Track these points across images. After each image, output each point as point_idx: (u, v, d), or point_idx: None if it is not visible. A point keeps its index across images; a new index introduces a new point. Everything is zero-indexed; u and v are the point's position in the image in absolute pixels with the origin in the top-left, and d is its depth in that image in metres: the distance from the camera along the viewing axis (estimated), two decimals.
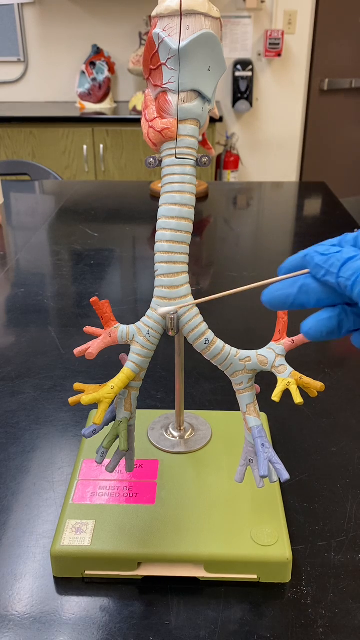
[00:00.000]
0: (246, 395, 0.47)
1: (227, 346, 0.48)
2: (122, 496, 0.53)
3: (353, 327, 0.35)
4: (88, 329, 0.49)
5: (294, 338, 0.48)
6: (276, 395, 0.47)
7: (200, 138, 0.49)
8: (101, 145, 2.87)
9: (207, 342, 0.47)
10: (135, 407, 0.49)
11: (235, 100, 3.20)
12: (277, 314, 0.48)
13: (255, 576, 0.48)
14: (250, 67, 3.14)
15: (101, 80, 3.11)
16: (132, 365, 0.47)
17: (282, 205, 1.63)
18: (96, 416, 0.45)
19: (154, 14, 0.44)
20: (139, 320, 0.48)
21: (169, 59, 0.43)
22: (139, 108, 2.85)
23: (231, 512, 0.51)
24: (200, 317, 0.47)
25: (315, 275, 0.34)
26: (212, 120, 2.68)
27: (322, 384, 0.47)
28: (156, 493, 0.53)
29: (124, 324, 0.48)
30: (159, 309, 0.45)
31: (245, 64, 3.14)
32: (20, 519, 0.55)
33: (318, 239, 1.39)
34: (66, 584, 0.49)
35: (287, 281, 0.35)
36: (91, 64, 3.11)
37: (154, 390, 0.73)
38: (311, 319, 0.34)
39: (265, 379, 0.55)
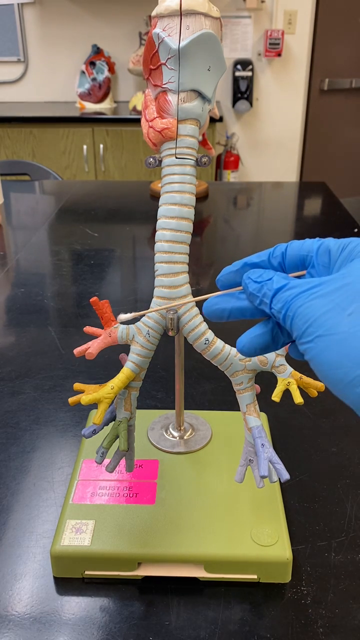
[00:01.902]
0: (246, 395, 0.47)
1: (227, 346, 0.48)
2: (122, 496, 0.53)
3: (288, 339, 0.36)
4: (88, 329, 0.49)
5: None
6: (276, 395, 0.47)
7: (200, 138, 0.49)
8: (101, 145, 2.87)
9: (207, 342, 0.47)
10: (135, 407, 0.49)
11: (235, 100, 3.20)
12: None
13: (255, 576, 0.48)
14: (250, 67, 3.14)
15: (101, 80, 3.11)
16: (132, 365, 0.47)
17: (282, 205, 1.63)
18: (96, 416, 0.45)
19: (153, 13, 0.44)
20: (138, 320, 0.48)
21: (168, 58, 0.43)
22: (139, 108, 2.85)
23: (231, 512, 0.51)
24: (200, 317, 0.47)
25: (252, 302, 0.36)
26: (212, 120, 2.68)
27: (322, 384, 0.47)
28: (156, 493, 0.53)
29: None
30: (119, 315, 0.45)
31: (245, 64, 3.14)
32: (20, 519, 0.55)
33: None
34: (66, 584, 0.49)
35: (225, 295, 0.38)
36: (91, 63, 3.11)
37: (154, 390, 0.73)
38: (245, 336, 0.36)
39: (265, 379, 0.55)
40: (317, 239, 0.35)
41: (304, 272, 0.35)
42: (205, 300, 0.39)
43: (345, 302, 0.29)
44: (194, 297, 0.47)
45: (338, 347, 0.29)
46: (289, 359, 0.48)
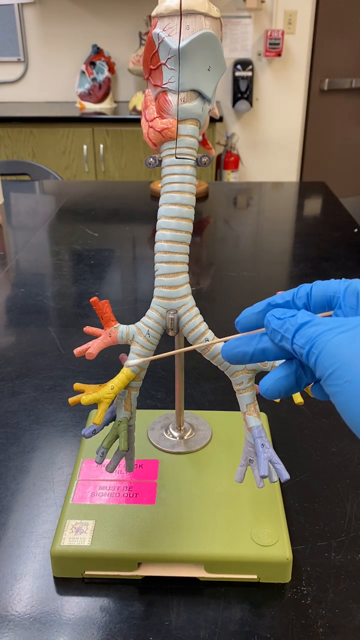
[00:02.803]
0: (246, 395, 0.47)
1: None
2: (122, 496, 0.53)
3: (311, 380, 0.35)
4: (88, 329, 0.49)
5: None
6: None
7: (200, 138, 0.49)
8: (101, 145, 2.87)
9: (207, 342, 0.47)
10: (135, 407, 0.49)
11: (235, 100, 3.20)
12: None
13: (255, 576, 0.48)
14: (250, 67, 3.14)
15: (101, 80, 3.11)
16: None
17: (282, 205, 1.63)
18: (96, 416, 0.45)
19: (153, 13, 0.44)
20: (139, 320, 0.48)
21: (168, 58, 0.43)
22: (139, 108, 2.85)
23: (231, 512, 0.51)
24: (200, 317, 0.47)
25: (273, 339, 0.34)
26: (212, 120, 2.68)
27: None
28: (156, 493, 0.53)
29: (124, 324, 0.48)
30: (127, 361, 0.46)
31: (245, 63, 3.14)
32: (20, 519, 0.55)
33: (318, 239, 1.39)
34: (66, 584, 0.49)
35: (245, 338, 0.36)
36: (91, 63, 3.11)
37: (154, 390, 0.73)
38: (268, 378, 0.35)
39: None
40: (344, 279, 0.34)
41: (331, 312, 0.34)
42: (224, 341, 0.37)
43: None
44: (193, 296, 0.47)
45: None
46: None
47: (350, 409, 0.29)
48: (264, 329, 0.35)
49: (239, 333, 0.38)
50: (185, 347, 0.54)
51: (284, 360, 0.35)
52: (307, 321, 0.32)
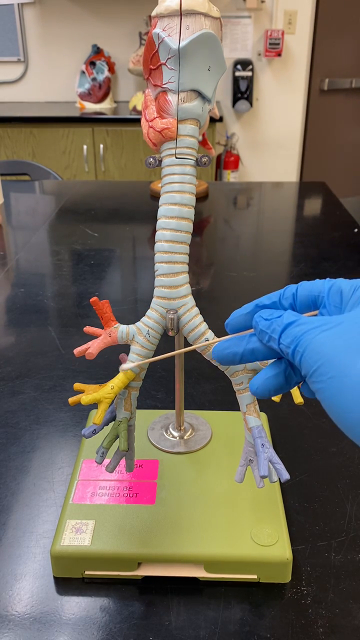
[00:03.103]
0: (246, 395, 0.47)
1: None
2: (122, 496, 0.53)
3: (300, 378, 0.35)
4: (88, 329, 0.49)
5: None
6: (276, 396, 0.47)
7: (200, 138, 0.49)
8: (101, 145, 2.87)
9: (206, 342, 0.47)
10: (135, 407, 0.49)
11: (235, 100, 3.20)
12: None
13: (255, 576, 0.48)
14: (250, 67, 3.14)
15: (101, 80, 3.11)
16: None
17: (282, 205, 1.63)
18: (96, 416, 0.45)
19: (153, 13, 0.44)
20: (139, 320, 0.48)
21: (168, 58, 0.43)
22: (139, 108, 2.85)
23: (231, 512, 0.51)
24: (200, 317, 0.47)
25: (261, 340, 0.35)
26: (212, 120, 2.68)
27: None
28: (156, 493, 0.53)
29: (124, 324, 0.48)
30: (122, 365, 0.46)
31: (245, 63, 3.14)
32: (20, 519, 0.55)
33: (318, 239, 1.39)
34: (66, 584, 0.49)
35: (234, 339, 0.37)
36: (91, 63, 3.11)
37: (154, 390, 0.73)
38: (258, 377, 0.35)
39: None
40: (328, 279, 0.34)
41: (316, 312, 0.35)
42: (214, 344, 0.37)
43: (359, 343, 0.29)
44: (193, 296, 0.47)
45: (352, 391, 0.28)
46: None
47: (335, 404, 0.29)
48: (252, 329, 0.36)
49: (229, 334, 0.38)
50: (185, 347, 0.54)
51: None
52: (292, 321, 0.33)
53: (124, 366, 0.44)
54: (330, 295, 0.34)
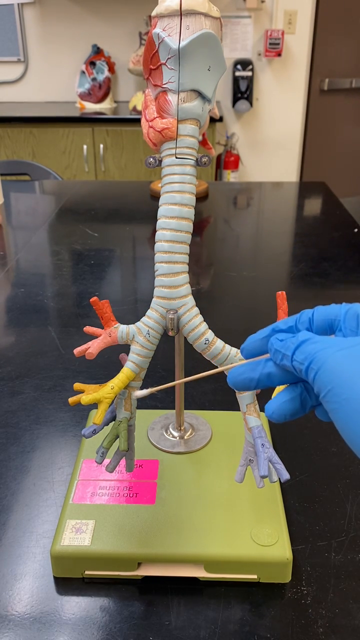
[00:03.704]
0: (246, 395, 0.47)
1: (227, 346, 0.48)
2: (122, 496, 0.53)
3: (316, 402, 0.35)
4: (88, 329, 0.49)
5: None
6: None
7: (200, 138, 0.49)
8: (101, 145, 2.87)
9: (207, 342, 0.47)
10: (135, 407, 0.49)
11: (235, 100, 3.20)
12: (277, 313, 0.48)
13: (255, 576, 0.48)
14: (250, 67, 3.14)
15: (101, 80, 3.10)
16: (132, 365, 0.47)
17: (282, 205, 1.63)
18: (96, 416, 0.45)
19: (153, 13, 0.44)
20: (139, 320, 0.48)
21: (168, 58, 0.43)
22: (139, 108, 2.85)
23: (231, 512, 0.51)
24: (200, 317, 0.47)
25: (275, 360, 0.35)
26: (212, 120, 2.68)
27: None
28: (156, 493, 0.53)
29: (124, 324, 0.48)
30: (134, 392, 0.46)
31: (245, 63, 3.14)
32: (20, 519, 0.55)
33: (318, 239, 1.38)
34: (66, 584, 0.49)
35: (250, 364, 0.36)
36: (91, 63, 3.11)
37: None
38: (274, 402, 0.35)
39: None
40: (344, 304, 0.34)
41: (332, 335, 0.35)
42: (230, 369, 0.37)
43: None
44: (193, 296, 0.47)
45: None
46: None
47: (349, 426, 0.29)
48: (268, 354, 0.36)
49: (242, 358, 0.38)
50: (184, 348, 0.54)
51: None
52: (307, 339, 0.32)
53: (138, 393, 0.44)
54: (347, 320, 0.34)
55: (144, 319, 0.48)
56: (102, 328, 0.48)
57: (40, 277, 1.10)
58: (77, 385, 0.47)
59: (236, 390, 0.37)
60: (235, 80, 3.16)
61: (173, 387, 0.58)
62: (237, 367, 0.37)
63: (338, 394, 0.29)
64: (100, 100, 3.12)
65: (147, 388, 0.43)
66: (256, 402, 0.48)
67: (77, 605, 0.47)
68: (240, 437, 0.59)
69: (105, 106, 3.12)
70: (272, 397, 0.37)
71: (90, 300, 0.47)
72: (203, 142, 0.63)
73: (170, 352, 0.56)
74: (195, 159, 0.46)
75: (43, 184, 1.78)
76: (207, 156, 0.47)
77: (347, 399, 0.29)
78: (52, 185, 1.78)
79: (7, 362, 0.81)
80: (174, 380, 0.57)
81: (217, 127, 2.98)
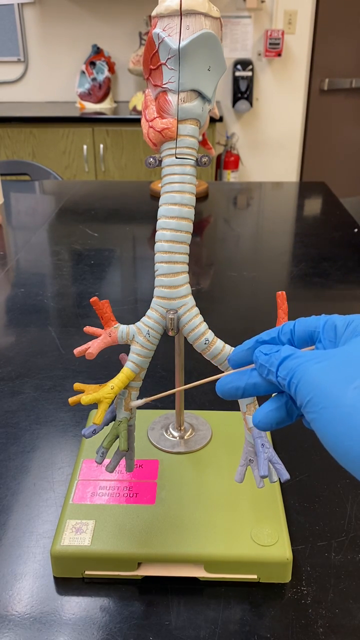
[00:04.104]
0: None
1: (227, 346, 0.48)
2: (122, 496, 0.53)
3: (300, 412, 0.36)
4: (88, 329, 0.49)
5: None
6: None
7: (200, 138, 0.49)
8: (101, 145, 2.87)
9: (207, 342, 0.47)
10: (135, 407, 0.48)
11: (235, 100, 3.20)
12: (277, 313, 0.48)
13: (255, 576, 0.48)
14: (250, 67, 3.14)
15: (101, 80, 3.10)
16: (132, 365, 0.47)
17: (282, 205, 1.63)
18: (96, 416, 0.45)
19: (153, 13, 0.44)
20: (139, 320, 0.48)
21: (168, 58, 0.43)
22: (139, 108, 2.85)
23: (231, 512, 0.51)
24: (200, 317, 0.47)
25: (261, 374, 0.36)
26: (212, 120, 2.68)
27: None
28: (156, 493, 0.53)
29: (124, 324, 0.48)
30: (131, 403, 0.47)
31: (245, 63, 3.14)
32: (20, 519, 0.55)
33: (318, 239, 1.38)
34: (66, 584, 0.49)
35: (236, 374, 0.38)
36: (91, 63, 3.11)
37: (154, 390, 0.73)
38: (260, 410, 0.37)
39: None
40: (323, 315, 0.36)
41: (313, 347, 0.36)
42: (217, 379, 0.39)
43: (350, 375, 0.30)
44: (193, 296, 0.47)
45: (343, 421, 0.29)
46: None
47: (327, 433, 0.31)
48: (254, 364, 0.38)
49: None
50: (184, 348, 0.54)
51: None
52: (288, 355, 0.34)
53: (134, 403, 0.45)
54: (325, 331, 0.35)
55: (144, 319, 0.48)
56: (102, 328, 0.48)
57: (40, 277, 1.10)
58: (77, 385, 0.47)
59: (224, 398, 0.39)
60: (235, 80, 3.16)
61: (173, 388, 0.58)
62: (224, 377, 0.39)
63: (316, 404, 0.31)
64: (100, 100, 3.12)
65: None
66: (256, 402, 0.48)
67: (77, 605, 0.47)
68: (240, 437, 0.59)
69: (105, 106, 3.12)
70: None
71: (90, 300, 0.47)
72: (203, 142, 0.63)
73: (170, 352, 0.56)
74: (195, 159, 0.46)
75: (43, 184, 1.78)
76: (207, 156, 0.47)
77: (324, 408, 0.30)
78: (52, 185, 1.78)
79: (7, 362, 0.81)
80: (173, 381, 0.57)
81: (217, 127, 2.98)
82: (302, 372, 0.32)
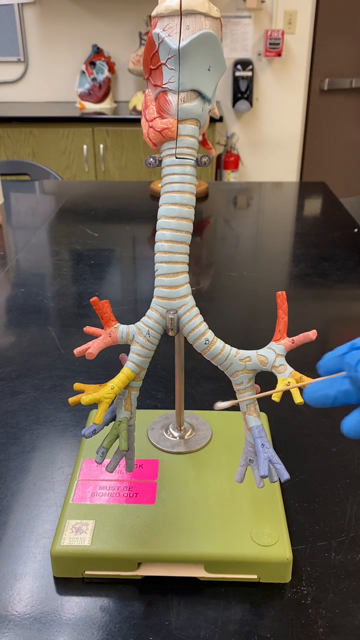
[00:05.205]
0: (246, 395, 0.47)
1: (227, 346, 0.48)
2: (122, 496, 0.53)
3: None
4: (88, 329, 0.49)
5: (294, 338, 0.48)
6: (276, 396, 0.47)
7: (200, 138, 0.49)
8: (101, 145, 2.87)
9: (207, 342, 0.47)
10: (135, 407, 0.48)
11: (235, 100, 3.20)
12: (277, 313, 0.48)
13: (255, 576, 0.48)
14: (250, 67, 3.14)
15: (101, 80, 3.10)
16: (132, 365, 0.47)
17: (282, 205, 1.63)
18: (96, 416, 0.45)
19: (153, 13, 0.44)
20: (139, 320, 0.48)
21: (168, 58, 0.43)
22: (139, 108, 2.85)
23: (231, 512, 0.51)
24: (200, 317, 0.47)
25: (349, 376, 0.35)
26: (212, 120, 2.68)
27: None
28: (156, 493, 0.53)
29: (124, 324, 0.48)
30: (216, 405, 0.45)
31: (245, 63, 3.13)
32: (20, 519, 0.55)
33: (318, 239, 1.38)
34: (66, 584, 0.49)
35: (327, 381, 0.36)
36: (91, 63, 3.11)
37: (154, 390, 0.73)
38: (349, 419, 0.35)
39: (265, 379, 0.55)
40: None
41: (344, 373, 0.35)
42: (306, 385, 0.37)
43: None
44: (193, 296, 0.47)
45: None
46: (288, 359, 0.48)
47: None
48: (345, 372, 0.36)
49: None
50: (184, 348, 0.54)
51: None
52: None
53: (220, 404, 0.44)
54: None
55: (144, 319, 0.48)
56: (102, 328, 0.48)
57: (40, 277, 1.10)
58: (77, 385, 0.47)
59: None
60: (235, 80, 3.16)
61: (173, 388, 0.58)
62: (314, 384, 0.37)
63: None
64: (100, 100, 3.12)
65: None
66: (256, 402, 0.48)
67: (77, 605, 0.47)
68: (240, 437, 0.59)
69: (105, 106, 3.12)
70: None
71: (90, 300, 0.47)
72: (203, 142, 0.63)
73: (170, 352, 0.56)
74: (195, 159, 0.46)
75: (43, 184, 1.78)
76: (207, 156, 0.47)
77: None
78: (52, 185, 1.78)
79: (7, 362, 0.81)
80: (173, 380, 0.57)
81: (217, 127, 2.98)
82: None
